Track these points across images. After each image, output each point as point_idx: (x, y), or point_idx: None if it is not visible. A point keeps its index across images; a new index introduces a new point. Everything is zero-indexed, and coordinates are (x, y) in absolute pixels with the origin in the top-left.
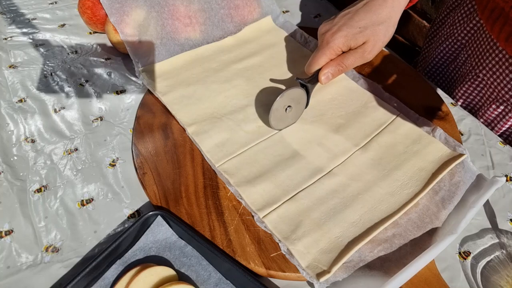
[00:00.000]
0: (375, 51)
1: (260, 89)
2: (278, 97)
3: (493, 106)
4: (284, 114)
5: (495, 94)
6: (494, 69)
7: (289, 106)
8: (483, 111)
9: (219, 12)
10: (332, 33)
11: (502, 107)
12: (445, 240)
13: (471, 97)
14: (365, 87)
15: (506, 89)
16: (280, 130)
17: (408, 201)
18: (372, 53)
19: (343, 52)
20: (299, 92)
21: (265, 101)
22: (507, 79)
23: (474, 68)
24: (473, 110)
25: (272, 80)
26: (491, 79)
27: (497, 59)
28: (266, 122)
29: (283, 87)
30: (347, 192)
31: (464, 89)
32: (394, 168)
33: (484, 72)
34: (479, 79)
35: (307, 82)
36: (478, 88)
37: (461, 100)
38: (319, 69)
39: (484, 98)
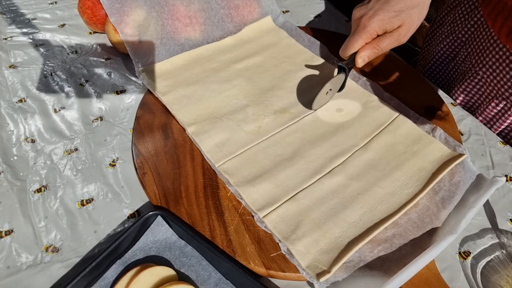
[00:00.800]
0: (409, 34)
1: (260, 89)
2: (327, 83)
3: (493, 104)
4: (324, 96)
5: (494, 91)
6: (494, 67)
7: (330, 90)
8: (482, 108)
9: (219, 12)
10: (368, 17)
11: (501, 105)
12: (445, 240)
13: (470, 94)
14: (365, 87)
15: (506, 86)
16: (315, 110)
17: (408, 201)
18: (406, 36)
19: (378, 36)
20: (340, 76)
21: (264, 102)
22: (507, 76)
23: (474, 66)
24: (472, 108)
25: (272, 80)
26: (491, 77)
27: (497, 56)
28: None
29: (283, 87)
30: (347, 192)
31: (463, 87)
32: (394, 168)
33: (484, 69)
34: (479, 77)
35: (346, 65)
36: (478, 86)
37: (460, 98)
38: (355, 52)
39: (484, 96)
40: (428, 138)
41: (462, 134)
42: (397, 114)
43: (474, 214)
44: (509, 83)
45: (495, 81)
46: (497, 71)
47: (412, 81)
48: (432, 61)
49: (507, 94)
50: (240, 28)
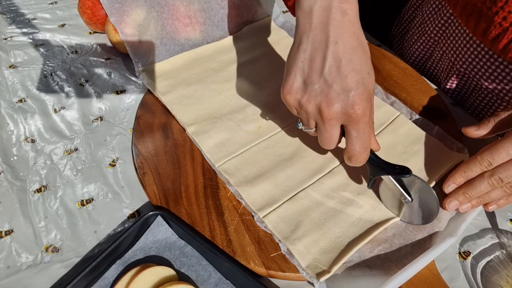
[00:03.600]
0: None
1: (260, 89)
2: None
3: (479, 98)
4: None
5: (479, 86)
6: (474, 63)
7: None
8: (470, 102)
9: (219, 12)
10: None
11: (488, 98)
12: (445, 242)
13: (457, 90)
14: None
15: (489, 80)
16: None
17: None
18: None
19: None
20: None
21: (264, 101)
22: (489, 70)
23: (454, 64)
24: (461, 102)
25: (272, 80)
26: (473, 73)
27: (475, 52)
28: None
29: None
30: (347, 192)
31: (449, 84)
32: None
33: (464, 66)
34: (461, 74)
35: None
36: (462, 82)
37: (448, 94)
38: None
39: (470, 90)
40: (428, 138)
41: (462, 134)
42: (397, 114)
43: (475, 216)
44: (492, 77)
45: (477, 76)
46: (478, 67)
47: (412, 81)
48: (408, 62)
49: (491, 87)
50: (240, 28)
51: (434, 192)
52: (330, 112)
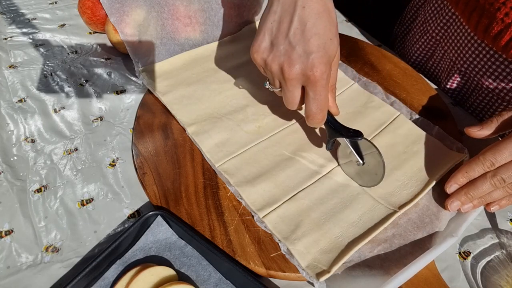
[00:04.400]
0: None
1: (260, 89)
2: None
3: (480, 97)
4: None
5: (479, 85)
6: (475, 62)
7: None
8: (470, 102)
9: (219, 12)
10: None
11: (488, 98)
12: (446, 242)
13: (457, 90)
14: (365, 87)
15: (490, 79)
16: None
17: (408, 201)
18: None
19: None
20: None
21: (264, 101)
22: (490, 70)
23: (455, 63)
24: (461, 102)
25: None
26: (474, 72)
27: (477, 52)
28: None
29: None
30: (346, 192)
31: (449, 83)
32: (394, 168)
33: (465, 65)
34: (462, 73)
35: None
36: (463, 81)
37: (448, 94)
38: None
39: (470, 90)
40: (428, 138)
41: (462, 134)
42: (397, 114)
43: (475, 216)
44: (493, 77)
45: (478, 75)
46: (479, 66)
47: (412, 81)
48: (409, 62)
49: (491, 87)
50: (240, 28)
51: (382, 156)
52: (291, 72)
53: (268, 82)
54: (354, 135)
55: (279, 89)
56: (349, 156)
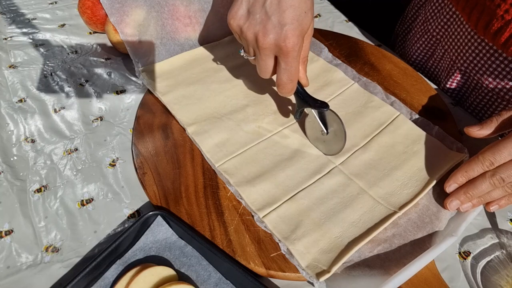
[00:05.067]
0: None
1: (260, 89)
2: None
3: (480, 96)
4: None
5: (479, 84)
6: (475, 61)
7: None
8: (470, 101)
9: (219, 12)
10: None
11: (488, 97)
12: (445, 241)
13: (457, 89)
14: (365, 87)
15: (490, 78)
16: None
17: (408, 201)
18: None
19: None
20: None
21: (264, 101)
22: (490, 69)
23: (455, 62)
24: (461, 101)
25: (272, 80)
26: (474, 71)
27: (477, 51)
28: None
29: None
30: (346, 192)
31: (449, 82)
32: (394, 168)
33: (465, 64)
34: (462, 72)
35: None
36: (463, 80)
37: (448, 93)
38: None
39: (470, 89)
40: (428, 138)
41: (462, 134)
42: (397, 114)
43: (475, 216)
44: (492, 76)
45: (478, 75)
46: (479, 65)
47: (412, 81)
48: (409, 61)
49: (491, 86)
50: None
51: (344, 126)
52: (265, 42)
53: (243, 50)
54: (320, 106)
55: (253, 57)
56: (315, 126)
